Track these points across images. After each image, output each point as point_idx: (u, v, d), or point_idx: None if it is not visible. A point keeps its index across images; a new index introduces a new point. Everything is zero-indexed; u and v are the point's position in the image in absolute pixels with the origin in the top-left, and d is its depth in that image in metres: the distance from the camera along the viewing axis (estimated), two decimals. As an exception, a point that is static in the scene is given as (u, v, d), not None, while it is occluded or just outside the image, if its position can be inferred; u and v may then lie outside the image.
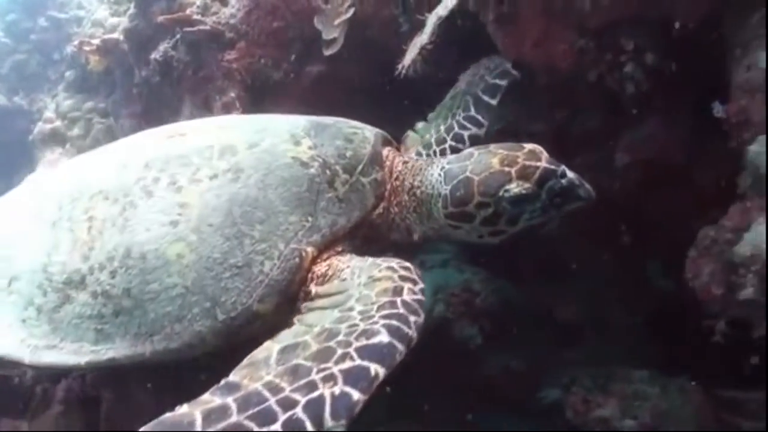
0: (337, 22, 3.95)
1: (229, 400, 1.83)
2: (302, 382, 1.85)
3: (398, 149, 3.20)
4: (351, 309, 2.23)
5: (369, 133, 3.03)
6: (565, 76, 2.88)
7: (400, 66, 3.26)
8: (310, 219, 2.69)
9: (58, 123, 6.57)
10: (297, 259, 2.62)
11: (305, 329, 2.21)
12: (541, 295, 4.11)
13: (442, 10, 2.89)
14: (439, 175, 2.77)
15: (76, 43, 5.81)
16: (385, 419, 4.25)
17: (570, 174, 2.54)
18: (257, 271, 2.61)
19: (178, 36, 4.52)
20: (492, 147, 2.68)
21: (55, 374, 3.38)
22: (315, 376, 1.85)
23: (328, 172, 2.79)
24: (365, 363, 1.88)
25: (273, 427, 1.72)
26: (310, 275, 2.68)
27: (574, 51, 2.75)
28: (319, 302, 2.43)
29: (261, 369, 2.00)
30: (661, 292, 3.52)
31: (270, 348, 2.12)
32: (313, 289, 2.55)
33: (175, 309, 2.70)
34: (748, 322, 2.26)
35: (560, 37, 2.76)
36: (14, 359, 2.88)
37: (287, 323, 2.43)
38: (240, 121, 3.28)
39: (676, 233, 2.76)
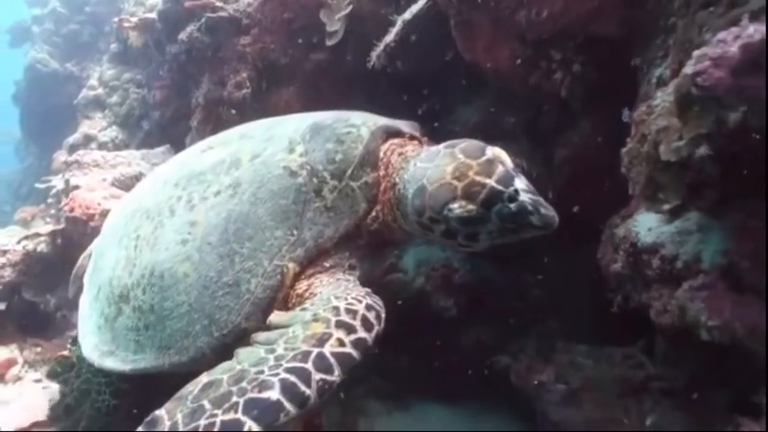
0: (338, 16, 4.39)
1: None
2: (190, 426, 1.88)
3: (413, 138, 2.93)
4: (273, 351, 2.16)
5: (365, 130, 2.76)
6: (510, 79, 3.29)
7: (368, 59, 3.65)
8: (295, 232, 2.58)
9: (100, 90, 7.19)
10: (279, 276, 2.55)
11: (231, 366, 2.16)
12: (516, 275, 4.41)
13: (407, 14, 3.32)
14: (410, 169, 2.55)
15: (116, 19, 6.37)
16: (363, 376, 4.74)
17: (523, 197, 2.21)
18: (244, 289, 2.58)
19: (202, 20, 5.01)
20: (458, 148, 2.39)
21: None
22: (202, 421, 1.88)
23: (315, 180, 2.64)
24: (243, 418, 1.86)
25: None
26: (292, 292, 2.60)
27: (515, 57, 3.15)
28: (261, 336, 2.34)
29: (180, 405, 2.01)
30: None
31: (198, 382, 2.11)
32: (271, 317, 2.45)
33: (184, 325, 2.76)
34: (624, 292, 2.68)
35: (504, 45, 3.16)
36: (89, 360, 3.14)
37: None
38: (259, 127, 3.12)
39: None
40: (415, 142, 2.91)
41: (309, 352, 2.06)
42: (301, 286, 2.58)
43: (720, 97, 1.57)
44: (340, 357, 2.06)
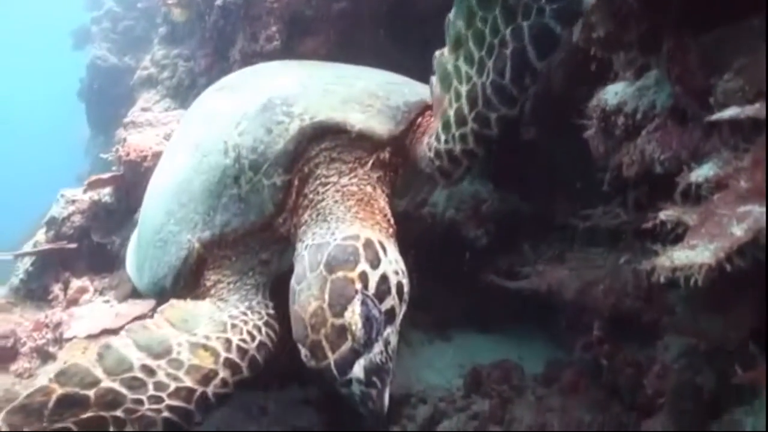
0: (354, -36, 4.73)
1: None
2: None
3: (362, 136, 2.56)
4: (153, 373, 2.17)
5: (296, 124, 2.50)
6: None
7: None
8: (211, 213, 2.51)
9: (152, 69, 7.81)
10: (185, 251, 2.55)
11: (96, 378, 2.12)
12: (544, 203, 4.57)
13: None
14: (302, 249, 2.32)
15: (161, -3, 6.94)
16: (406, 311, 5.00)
17: (354, 388, 2.03)
18: (168, 251, 2.62)
19: (236, -16, 5.47)
20: (330, 280, 2.10)
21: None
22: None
23: (237, 165, 2.50)
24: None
25: None
26: (203, 280, 2.60)
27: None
28: (162, 321, 2.38)
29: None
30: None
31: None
32: (168, 310, 2.45)
33: (141, 259, 2.96)
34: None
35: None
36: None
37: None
38: (254, 82, 2.99)
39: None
40: (357, 152, 2.59)
41: (193, 391, 2.15)
42: (210, 278, 2.59)
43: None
44: (220, 396, 2.20)
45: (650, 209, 2.74)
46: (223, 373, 2.21)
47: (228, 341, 2.28)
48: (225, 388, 2.21)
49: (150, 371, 2.15)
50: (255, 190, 2.46)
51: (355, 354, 2.02)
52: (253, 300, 2.52)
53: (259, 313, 2.45)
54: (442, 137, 2.46)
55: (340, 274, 2.10)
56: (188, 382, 2.15)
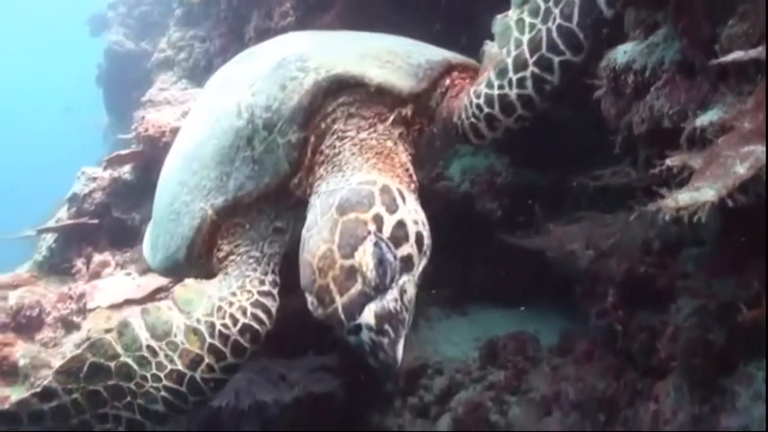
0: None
1: None
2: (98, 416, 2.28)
3: (381, 91, 2.42)
4: (155, 353, 2.27)
5: (311, 78, 2.35)
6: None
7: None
8: (224, 179, 2.39)
9: (169, 52, 7.93)
10: (199, 220, 2.45)
11: (114, 352, 2.28)
12: (559, 175, 4.54)
13: None
14: (315, 199, 2.21)
15: (175, -22, 7.03)
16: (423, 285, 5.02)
17: (363, 336, 1.84)
18: (182, 222, 2.52)
19: (250, -38, 5.51)
20: (341, 222, 1.95)
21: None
22: (108, 410, 2.29)
23: (251, 126, 2.36)
24: (142, 419, 2.30)
25: None
26: (215, 251, 2.52)
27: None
28: (172, 301, 2.39)
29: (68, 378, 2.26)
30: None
31: (83, 359, 2.27)
32: (178, 290, 2.43)
33: (155, 237, 2.89)
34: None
35: None
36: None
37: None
38: (273, 48, 2.81)
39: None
40: (377, 107, 2.45)
41: (183, 375, 2.25)
42: (223, 249, 2.50)
43: None
44: (209, 382, 2.27)
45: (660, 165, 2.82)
46: (208, 359, 2.25)
47: (212, 326, 2.27)
48: (212, 373, 2.25)
49: (153, 351, 2.27)
50: (269, 149, 2.33)
51: (365, 297, 1.84)
52: (249, 277, 2.41)
53: (250, 291, 2.36)
54: (496, 83, 2.38)
55: (351, 215, 1.95)
56: (180, 366, 2.25)
